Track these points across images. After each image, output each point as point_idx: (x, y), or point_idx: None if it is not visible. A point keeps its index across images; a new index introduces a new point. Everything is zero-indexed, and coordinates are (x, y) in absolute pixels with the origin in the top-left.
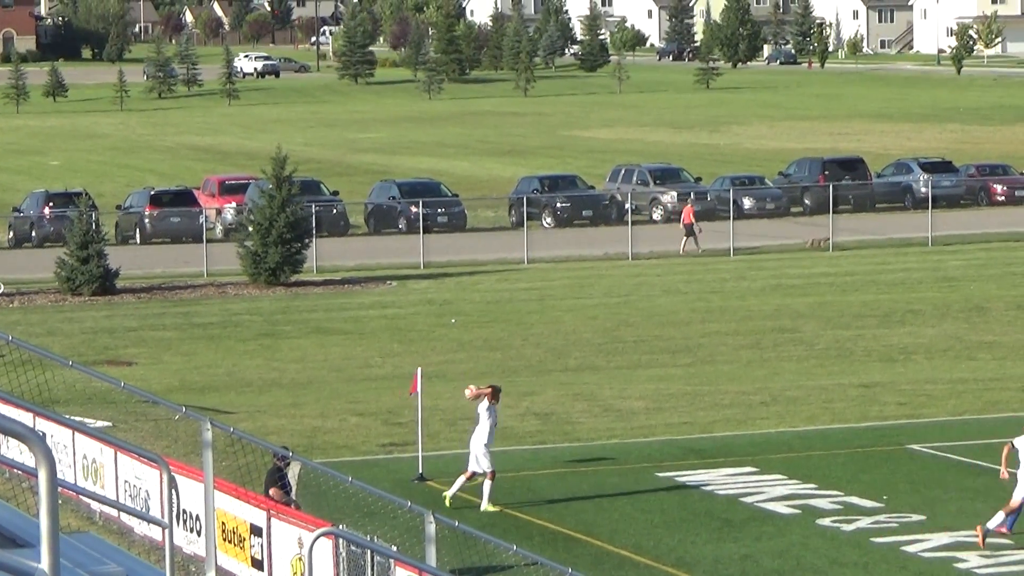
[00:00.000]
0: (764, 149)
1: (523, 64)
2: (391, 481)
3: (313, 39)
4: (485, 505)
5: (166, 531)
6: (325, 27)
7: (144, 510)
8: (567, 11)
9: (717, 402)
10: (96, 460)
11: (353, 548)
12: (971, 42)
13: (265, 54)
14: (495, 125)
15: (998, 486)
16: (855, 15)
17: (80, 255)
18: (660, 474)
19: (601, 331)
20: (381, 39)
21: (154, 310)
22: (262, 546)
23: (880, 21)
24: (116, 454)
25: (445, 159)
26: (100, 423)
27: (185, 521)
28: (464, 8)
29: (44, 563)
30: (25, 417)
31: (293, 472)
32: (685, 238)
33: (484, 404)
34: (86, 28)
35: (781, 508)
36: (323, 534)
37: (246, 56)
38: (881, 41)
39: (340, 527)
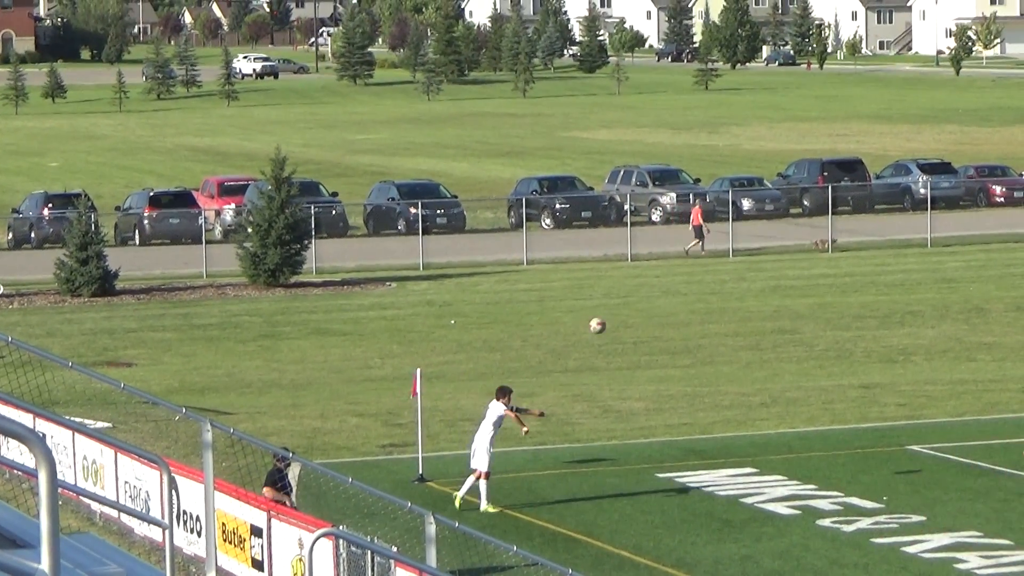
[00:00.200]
0: (763, 150)
1: (522, 65)
2: (391, 482)
3: (312, 40)
4: (485, 506)
5: (166, 532)
6: (324, 28)
7: (144, 511)
8: (566, 12)
9: (717, 403)
10: (96, 461)
11: (353, 549)
12: (970, 43)
13: (264, 55)
14: (494, 126)
15: (998, 487)
16: (854, 16)
17: (79, 256)
18: (660, 475)
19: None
20: (380, 40)
21: (154, 311)
22: (262, 547)
23: (879, 22)
24: (116, 455)
25: (444, 160)
26: (100, 424)
27: (185, 522)
28: (463, 9)
29: (44, 564)
30: (25, 418)
31: (293, 473)
32: (695, 239)
33: (493, 403)
34: (85, 29)
35: (781, 509)
36: (323, 535)
37: (245, 57)
38: (880, 42)
39: (340, 528)
